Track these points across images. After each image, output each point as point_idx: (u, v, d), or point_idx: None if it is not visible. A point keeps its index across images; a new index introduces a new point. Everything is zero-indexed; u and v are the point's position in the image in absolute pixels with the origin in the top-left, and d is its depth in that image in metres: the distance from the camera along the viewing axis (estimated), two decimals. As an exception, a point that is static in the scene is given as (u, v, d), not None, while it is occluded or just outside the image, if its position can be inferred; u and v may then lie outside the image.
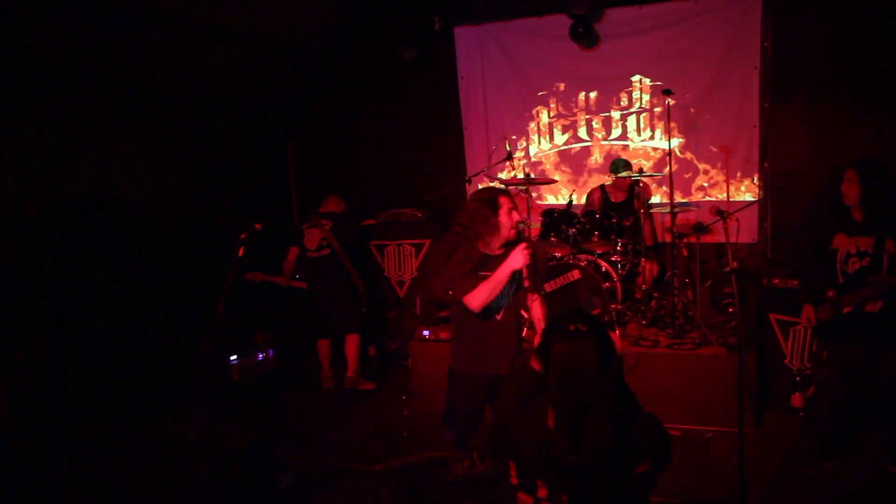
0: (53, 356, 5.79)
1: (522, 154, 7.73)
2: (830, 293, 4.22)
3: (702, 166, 7.04)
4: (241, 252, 4.73)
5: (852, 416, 4.45)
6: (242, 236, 4.71)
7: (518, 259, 3.71)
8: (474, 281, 3.76)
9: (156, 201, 6.94)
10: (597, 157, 7.44)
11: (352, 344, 6.58)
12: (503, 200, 3.83)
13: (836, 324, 4.24)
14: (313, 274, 6.59)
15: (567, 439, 2.05)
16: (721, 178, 6.96)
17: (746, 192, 6.88)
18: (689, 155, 7.06)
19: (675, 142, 6.88)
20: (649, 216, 6.52)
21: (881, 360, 4.16)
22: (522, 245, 3.73)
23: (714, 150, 6.95)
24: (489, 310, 3.84)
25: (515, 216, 3.84)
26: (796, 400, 5.43)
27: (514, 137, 7.62)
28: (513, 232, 3.86)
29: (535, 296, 4.02)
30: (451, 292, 3.89)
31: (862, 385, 4.27)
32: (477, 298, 3.75)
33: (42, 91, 5.88)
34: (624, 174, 6.43)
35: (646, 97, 7.15)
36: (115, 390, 6.10)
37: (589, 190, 7.03)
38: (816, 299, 4.31)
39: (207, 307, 4.99)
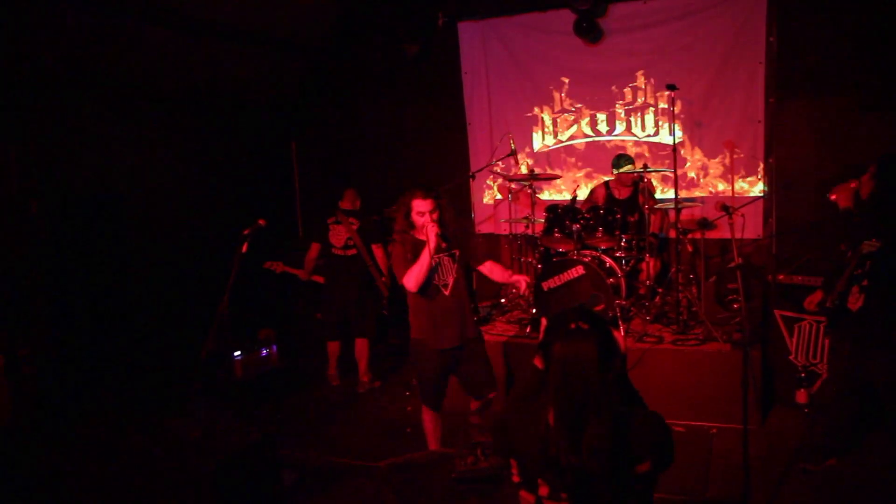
0: (57, 353, 5.81)
1: (526, 149, 7.71)
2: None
3: (706, 161, 7.01)
4: (244, 248, 4.73)
5: (853, 411, 4.43)
6: (246, 232, 4.71)
7: (428, 233, 4.19)
8: (407, 265, 4.28)
9: (160, 198, 6.96)
10: (601, 153, 7.41)
11: (363, 347, 6.49)
12: (413, 203, 4.30)
13: (833, 314, 4.27)
14: (336, 272, 6.46)
15: (567, 438, 2.04)
16: (726, 173, 6.94)
17: (751, 187, 6.85)
18: (693, 150, 7.03)
19: (680, 137, 6.85)
20: (655, 210, 6.45)
21: (868, 356, 4.15)
22: (427, 223, 4.22)
23: (719, 144, 6.92)
24: (430, 288, 4.33)
25: (425, 217, 4.26)
26: (801, 396, 5.41)
27: (517, 133, 7.58)
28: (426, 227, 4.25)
29: (488, 262, 4.55)
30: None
31: (856, 379, 4.27)
32: (409, 279, 4.26)
33: (45, 88, 5.89)
34: (626, 169, 6.41)
35: (650, 92, 7.13)
36: (119, 386, 6.12)
37: (592, 186, 7.01)
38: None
39: (211, 303, 5.00)
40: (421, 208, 4.26)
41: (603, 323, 2.12)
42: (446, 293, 4.36)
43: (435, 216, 4.26)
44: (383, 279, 6.50)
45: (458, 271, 4.41)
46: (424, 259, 4.21)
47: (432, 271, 4.29)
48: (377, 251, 6.49)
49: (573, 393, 2.02)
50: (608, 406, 2.02)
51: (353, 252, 6.41)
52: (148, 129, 6.87)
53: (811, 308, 4.62)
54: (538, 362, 2.22)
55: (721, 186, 6.97)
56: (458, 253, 4.41)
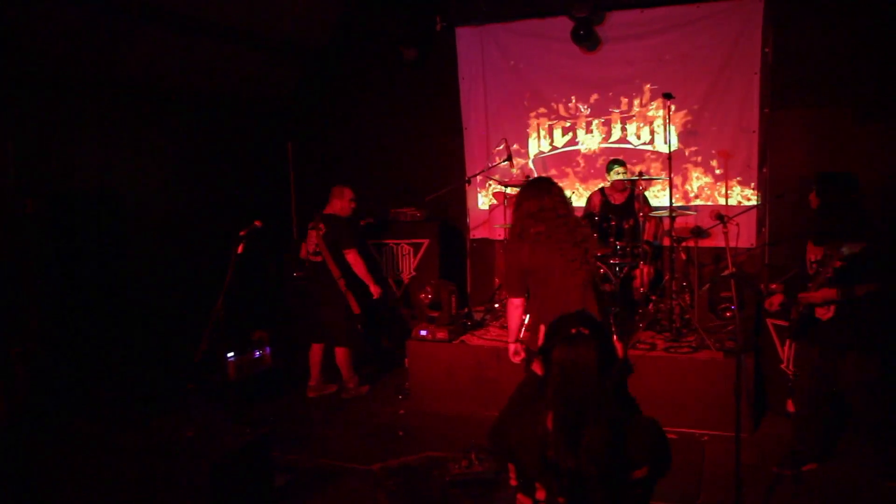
0: (51, 352, 5.78)
1: (522, 155, 7.73)
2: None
3: (700, 171, 7.05)
4: (240, 249, 4.73)
5: (826, 416, 4.55)
6: (242, 233, 4.70)
7: None
8: None
9: (155, 198, 6.94)
10: (596, 160, 7.44)
11: (341, 356, 6.31)
12: None
13: (798, 323, 4.42)
14: (309, 277, 6.42)
15: (564, 442, 2.05)
16: (720, 182, 6.98)
17: (744, 197, 6.89)
18: (687, 159, 7.07)
19: (675, 145, 6.89)
20: (650, 218, 6.48)
21: (839, 363, 4.30)
22: None
23: (713, 154, 6.96)
24: None
25: None
26: (792, 405, 5.42)
27: (513, 139, 7.61)
28: None
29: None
30: None
31: (827, 384, 4.40)
32: None
33: (42, 87, 5.88)
34: (618, 172, 6.44)
35: (646, 101, 7.16)
36: (112, 386, 6.09)
37: (589, 193, 7.04)
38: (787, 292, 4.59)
39: (206, 304, 4.99)
40: None
41: (603, 329, 2.13)
42: None
43: None
44: (373, 288, 6.20)
45: None
46: None
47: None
48: (350, 256, 6.14)
49: (572, 398, 2.04)
50: (606, 411, 2.04)
51: (319, 259, 6.19)
52: (144, 129, 6.86)
53: (773, 309, 4.75)
54: (537, 367, 2.23)
55: (715, 195, 7.00)
56: None
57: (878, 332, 4.19)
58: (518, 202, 4.10)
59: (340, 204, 6.29)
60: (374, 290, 6.21)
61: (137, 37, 6.24)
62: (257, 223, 4.92)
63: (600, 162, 7.37)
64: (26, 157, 5.73)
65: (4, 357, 5.42)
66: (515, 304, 4.16)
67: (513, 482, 2.19)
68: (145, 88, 6.80)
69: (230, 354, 6.43)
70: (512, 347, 4.21)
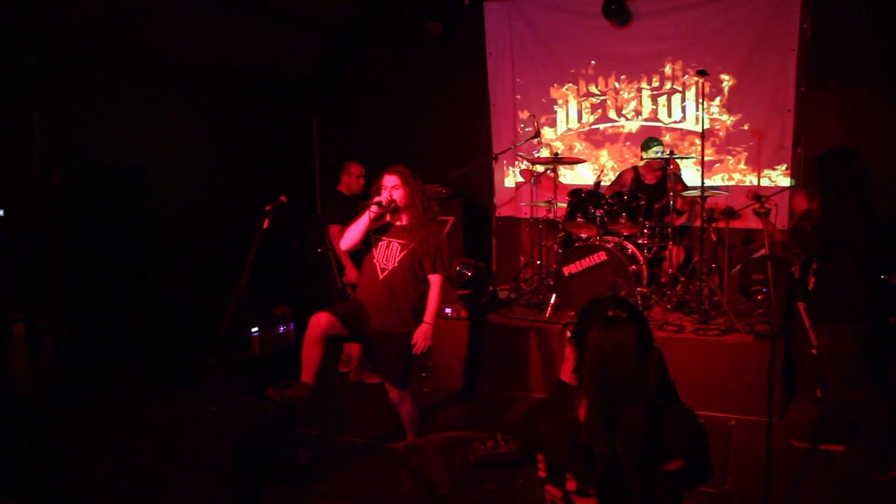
0: (76, 324, 5.82)
1: (550, 132, 7.62)
2: None
3: (733, 150, 6.89)
4: (265, 224, 4.70)
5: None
6: (268, 208, 4.67)
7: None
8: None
9: (181, 172, 6.94)
10: (626, 138, 7.31)
11: None
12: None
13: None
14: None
15: (599, 431, 1.98)
16: (752, 162, 6.82)
17: (778, 178, 6.73)
18: (720, 138, 6.91)
19: (707, 124, 6.74)
20: (682, 195, 6.35)
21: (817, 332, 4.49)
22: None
23: (746, 133, 6.79)
24: (369, 266, 4.45)
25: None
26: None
27: (541, 116, 7.49)
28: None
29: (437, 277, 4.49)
30: None
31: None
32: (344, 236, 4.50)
33: (68, 58, 5.86)
34: (654, 150, 6.31)
35: (678, 78, 7.00)
36: (136, 360, 6.13)
37: (621, 170, 6.92)
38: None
39: (230, 278, 4.98)
40: (385, 182, 4.47)
41: (640, 312, 2.06)
42: (380, 277, 4.39)
43: (395, 194, 4.42)
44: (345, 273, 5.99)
45: (405, 263, 4.38)
46: (361, 219, 4.39)
47: (368, 246, 4.44)
48: (331, 231, 5.97)
49: (609, 382, 1.96)
50: (643, 397, 1.97)
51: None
52: (169, 102, 6.84)
53: None
54: (569, 352, 2.17)
55: (747, 176, 6.85)
56: (412, 245, 4.39)
57: (842, 304, 4.22)
58: (421, 188, 4.55)
59: (347, 181, 6.19)
60: (349, 274, 5.92)
61: (164, 9, 6.19)
62: (283, 198, 4.87)
63: (630, 140, 7.24)
64: (52, 128, 5.72)
65: (32, 328, 5.46)
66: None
67: (542, 473, 2.13)
68: (169, 61, 6.76)
69: (254, 329, 6.44)
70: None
